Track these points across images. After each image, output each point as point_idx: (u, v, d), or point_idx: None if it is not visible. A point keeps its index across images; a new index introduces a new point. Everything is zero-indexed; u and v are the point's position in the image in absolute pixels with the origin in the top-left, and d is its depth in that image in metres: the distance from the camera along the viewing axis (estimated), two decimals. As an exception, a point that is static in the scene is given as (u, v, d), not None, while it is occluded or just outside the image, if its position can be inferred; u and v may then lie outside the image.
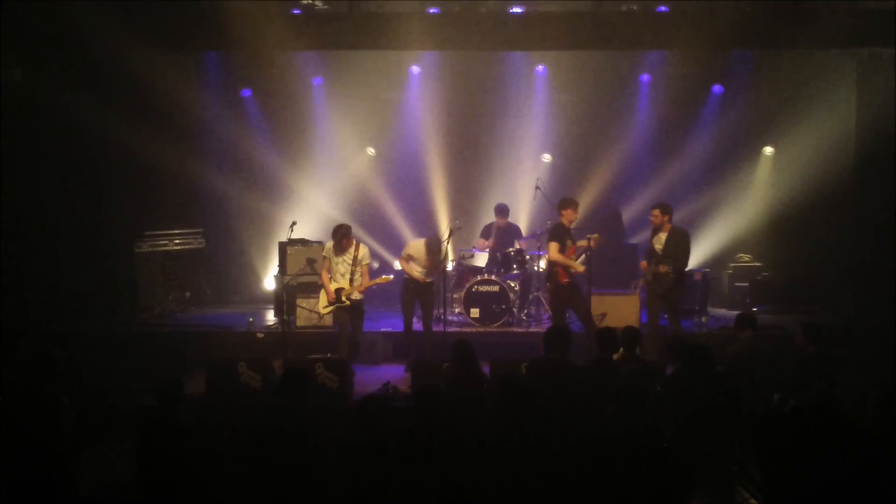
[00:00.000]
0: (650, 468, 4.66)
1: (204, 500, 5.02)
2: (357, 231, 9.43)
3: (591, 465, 4.72)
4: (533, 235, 11.23)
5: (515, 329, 10.30)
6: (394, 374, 9.04)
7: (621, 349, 6.77)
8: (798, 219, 11.85)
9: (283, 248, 10.66)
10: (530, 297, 10.77)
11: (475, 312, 10.25)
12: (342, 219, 10.66)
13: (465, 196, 12.73)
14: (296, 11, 10.58)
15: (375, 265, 11.32)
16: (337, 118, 12.66)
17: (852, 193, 11.45)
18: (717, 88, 12.38)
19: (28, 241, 10.48)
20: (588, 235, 9.14)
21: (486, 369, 7.13)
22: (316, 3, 10.54)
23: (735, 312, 8.51)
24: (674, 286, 8.82)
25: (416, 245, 9.41)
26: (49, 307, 10.37)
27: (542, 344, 6.81)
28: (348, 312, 8.97)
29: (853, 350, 8.26)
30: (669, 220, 9.05)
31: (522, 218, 12.34)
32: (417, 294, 9.41)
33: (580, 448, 4.81)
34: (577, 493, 4.65)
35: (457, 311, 10.64)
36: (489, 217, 11.28)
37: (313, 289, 9.81)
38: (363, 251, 9.01)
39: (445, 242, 9.66)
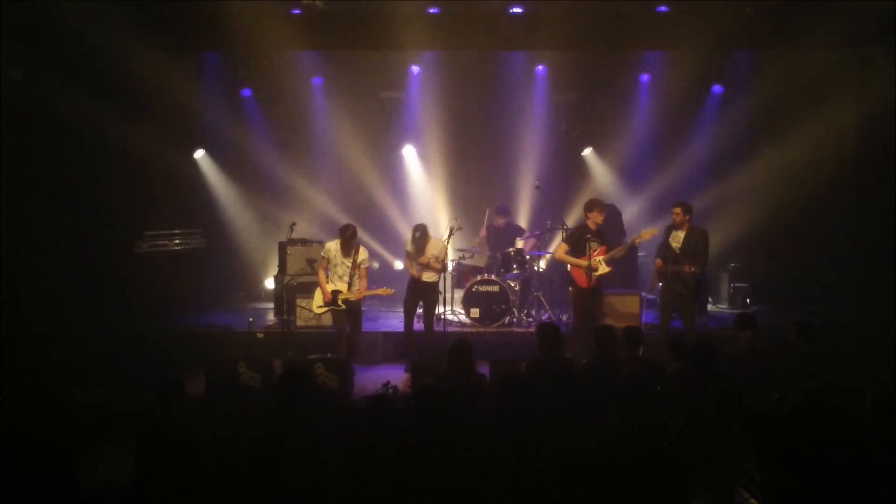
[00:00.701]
0: (650, 468, 4.66)
1: (204, 500, 5.01)
2: (356, 231, 9.42)
3: (592, 465, 4.72)
4: (533, 235, 11.23)
5: (515, 329, 10.30)
6: (394, 374, 9.02)
7: (624, 349, 6.76)
8: (798, 218, 11.84)
9: (283, 248, 10.67)
10: (530, 297, 10.77)
11: (475, 312, 10.26)
12: (342, 219, 10.67)
13: (465, 196, 12.72)
14: (296, 11, 10.56)
15: (376, 265, 11.33)
16: (337, 118, 12.66)
17: (852, 193, 11.45)
18: (717, 88, 12.38)
19: (27, 240, 10.48)
20: (640, 233, 9.18)
21: (486, 369, 7.12)
22: (316, 3, 10.53)
23: (735, 312, 8.51)
24: (697, 286, 8.79)
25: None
26: (48, 308, 10.36)
27: (538, 343, 6.78)
28: (345, 314, 8.98)
29: (853, 350, 8.26)
30: (690, 220, 9.00)
31: (522, 218, 12.34)
32: (421, 294, 9.40)
33: (580, 448, 4.81)
34: (577, 493, 4.65)
35: (457, 310, 10.64)
36: (491, 216, 11.30)
37: (313, 289, 9.78)
38: (362, 254, 9.02)
39: (446, 242, 9.67)
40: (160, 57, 10.59)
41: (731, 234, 12.17)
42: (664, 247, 8.99)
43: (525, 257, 10.63)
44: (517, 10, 10.63)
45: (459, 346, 6.50)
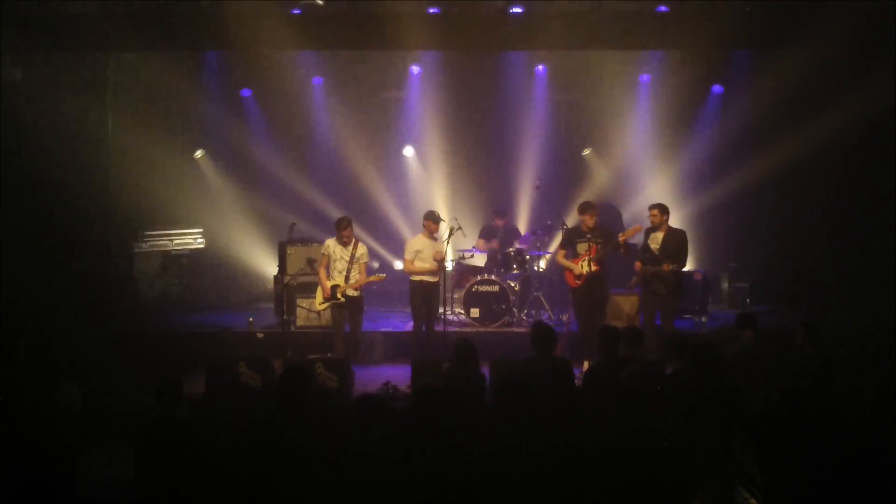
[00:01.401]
0: (650, 468, 4.66)
1: (203, 500, 5.01)
2: (357, 231, 9.43)
3: (592, 464, 4.72)
4: (532, 235, 11.23)
5: (515, 329, 10.29)
6: (394, 374, 9.00)
7: (624, 350, 6.75)
8: (798, 218, 11.84)
9: (282, 248, 10.67)
10: (530, 297, 10.76)
11: (475, 312, 10.26)
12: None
13: (464, 196, 12.72)
14: (296, 11, 10.58)
15: (375, 265, 11.32)
16: (337, 118, 12.65)
17: (852, 193, 11.44)
18: (717, 88, 12.39)
19: (28, 240, 10.48)
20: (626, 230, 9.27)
21: (486, 369, 7.11)
22: (316, 2, 10.54)
23: (735, 312, 8.50)
24: (677, 286, 8.83)
25: (417, 240, 9.41)
26: (49, 307, 10.36)
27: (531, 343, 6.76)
28: (346, 310, 8.98)
29: (853, 350, 8.25)
30: (667, 220, 9.06)
31: (522, 218, 12.34)
32: (427, 296, 9.39)
33: (580, 448, 4.81)
34: (577, 492, 4.64)
35: (457, 311, 10.63)
36: (489, 217, 11.29)
37: (313, 289, 9.79)
38: (361, 250, 9.05)
39: (446, 242, 9.67)
40: (160, 57, 10.58)
41: (731, 234, 12.18)
42: (643, 249, 9.09)
43: (525, 257, 10.62)
44: (517, 10, 10.64)
45: (465, 345, 6.52)
